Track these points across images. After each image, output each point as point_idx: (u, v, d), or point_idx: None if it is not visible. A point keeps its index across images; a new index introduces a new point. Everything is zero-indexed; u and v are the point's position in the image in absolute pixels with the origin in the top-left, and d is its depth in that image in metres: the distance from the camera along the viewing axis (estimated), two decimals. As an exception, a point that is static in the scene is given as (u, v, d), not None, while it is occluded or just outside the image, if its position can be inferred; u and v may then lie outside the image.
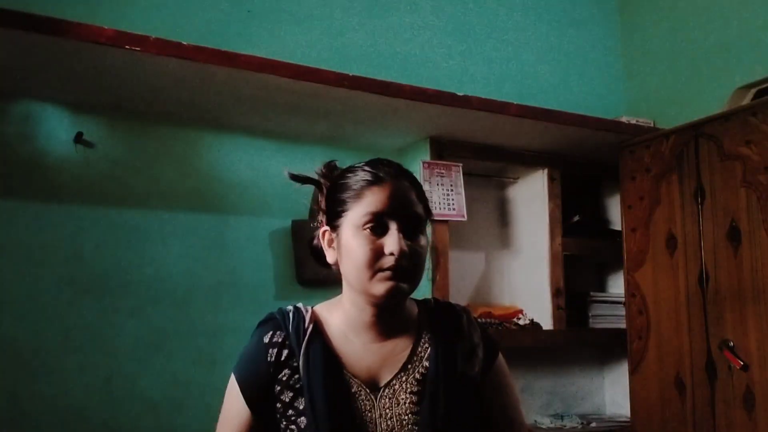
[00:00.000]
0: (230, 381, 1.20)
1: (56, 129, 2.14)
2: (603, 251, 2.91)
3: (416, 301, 1.28)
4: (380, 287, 1.12)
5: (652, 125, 2.85)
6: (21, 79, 1.99)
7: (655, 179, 2.48)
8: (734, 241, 2.19)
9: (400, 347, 1.20)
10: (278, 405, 1.16)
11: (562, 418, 2.82)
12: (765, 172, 2.12)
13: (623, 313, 2.70)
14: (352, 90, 2.08)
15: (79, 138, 2.14)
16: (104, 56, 1.81)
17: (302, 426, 1.13)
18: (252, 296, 2.35)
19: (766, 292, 2.09)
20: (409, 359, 1.19)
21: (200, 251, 2.30)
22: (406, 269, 1.12)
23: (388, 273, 1.11)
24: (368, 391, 1.16)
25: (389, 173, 1.16)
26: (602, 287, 3.17)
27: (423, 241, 1.16)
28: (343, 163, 1.26)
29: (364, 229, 1.12)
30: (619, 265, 2.76)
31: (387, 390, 1.16)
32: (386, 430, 1.14)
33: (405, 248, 1.11)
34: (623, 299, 2.67)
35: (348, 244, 1.14)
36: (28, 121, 2.10)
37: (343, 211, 1.16)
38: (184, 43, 1.85)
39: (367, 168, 1.17)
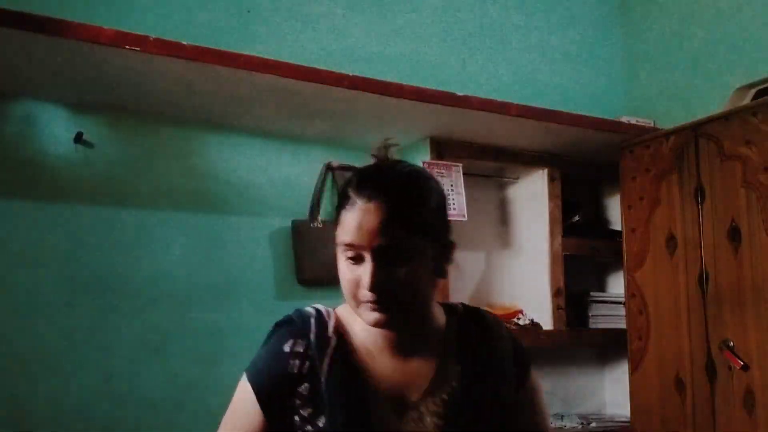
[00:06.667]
0: (242, 383, 1.14)
1: (56, 129, 2.13)
2: (603, 251, 2.90)
3: (444, 305, 1.21)
4: (367, 316, 1.07)
5: (652, 125, 2.85)
6: (21, 79, 1.99)
7: (655, 179, 2.47)
8: (734, 241, 2.19)
9: (426, 365, 1.13)
10: (296, 418, 1.10)
11: (562, 418, 2.81)
12: (765, 172, 2.12)
13: (623, 313, 2.70)
14: (352, 90, 2.08)
15: (79, 138, 2.14)
16: (104, 56, 1.81)
17: None
18: (252, 296, 2.34)
19: (766, 292, 2.09)
20: (436, 378, 1.13)
21: (200, 251, 2.30)
22: (389, 299, 1.05)
23: (369, 305, 1.05)
24: (393, 413, 1.10)
25: (364, 194, 1.03)
26: (602, 287, 3.16)
27: (407, 268, 1.04)
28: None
29: (344, 255, 1.07)
30: (619, 265, 2.76)
31: (413, 413, 1.10)
32: None
33: (377, 282, 1.03)
34: (623, 299, 2.66)
35: (338, 262, 1.10)
36: (28, 121, 2.10)
37: (335, 223, 1.10)
38: (184, 43, 1.85)
39: (352, 181, 1.08)
